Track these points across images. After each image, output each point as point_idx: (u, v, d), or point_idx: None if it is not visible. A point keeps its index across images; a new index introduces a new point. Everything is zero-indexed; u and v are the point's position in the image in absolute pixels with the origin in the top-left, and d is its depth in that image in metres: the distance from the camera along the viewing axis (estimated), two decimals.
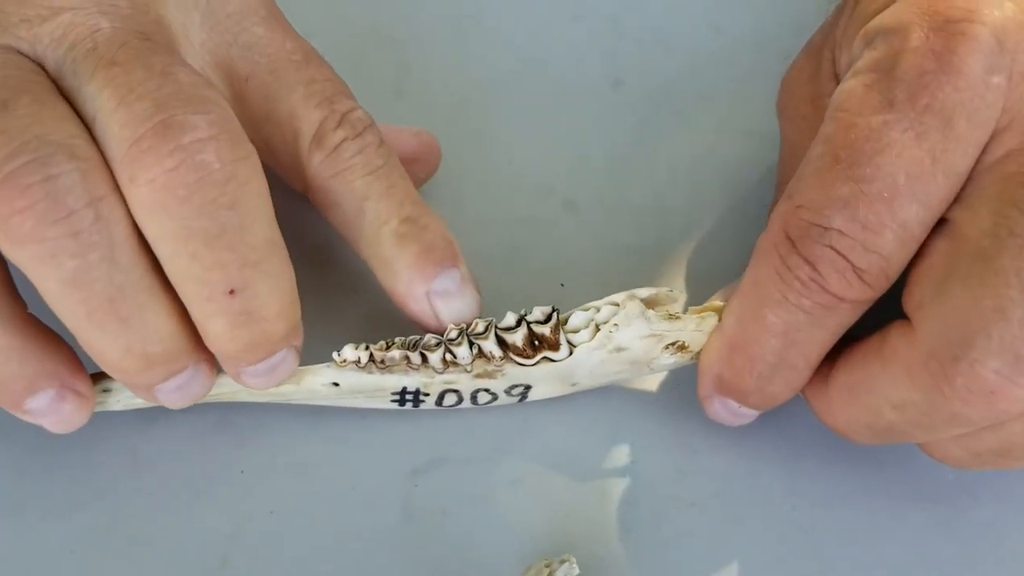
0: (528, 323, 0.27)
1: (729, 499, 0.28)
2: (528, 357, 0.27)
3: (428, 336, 0.27)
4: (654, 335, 0.27)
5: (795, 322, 0.24)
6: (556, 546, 0.27)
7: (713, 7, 0.38)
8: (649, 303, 0.27)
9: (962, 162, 0.23)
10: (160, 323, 0.23)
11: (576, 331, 0.27)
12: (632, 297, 0.27)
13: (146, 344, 0.23)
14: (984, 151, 0.23)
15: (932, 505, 0.28)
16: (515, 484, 0.28)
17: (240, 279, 0.23)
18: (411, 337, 0.27)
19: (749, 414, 0.27)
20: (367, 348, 0.27)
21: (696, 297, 0.30)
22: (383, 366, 0.27)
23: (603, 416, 0.29)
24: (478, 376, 0.27)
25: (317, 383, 0.27)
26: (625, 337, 0.27)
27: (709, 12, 0.38)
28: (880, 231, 0.23)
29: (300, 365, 0.27)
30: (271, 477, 0.28)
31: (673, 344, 0.27)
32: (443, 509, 0.28)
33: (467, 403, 0.28)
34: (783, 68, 0.32)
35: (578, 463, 0.29)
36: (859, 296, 0.24)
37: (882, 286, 0.24)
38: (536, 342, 0.27)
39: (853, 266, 0.23)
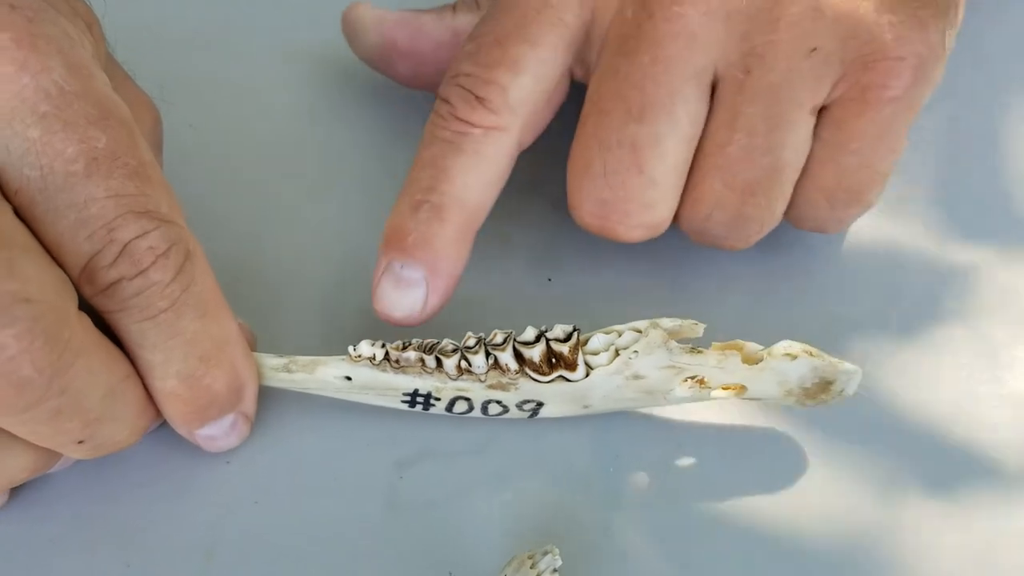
0: (548, 340, 0.26)
1: (713, 494, 0.28)
2: (544, 374, 0.27)
3: (445, 341, 0.27)
4: (674, 367, 0.27)
5: (440, 151, 0.28)
6: (540, 539, 0.27)
7: None
8: (672, 333, 0.27)
9: (567, 13, 0.28)
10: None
11: (595, 353, 0.27)
12: (655, 326, 0.27)
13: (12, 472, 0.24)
14: (594, 14, 0.28)
15: (925, 505, 0.28)
16: (499, 477, 0.28)
17: (85, 433, 0.23)
18: (428, 340, 0.27)
19: (415, 279, 0.28)
20: (383, 345, 0.27)
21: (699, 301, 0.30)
22: (397, 366, 0.27)
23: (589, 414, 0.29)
24: (491, 387, 0.27)
25: (330, 375, 0.27)
26: (644, 365, 0.27)
27: None
28: (494, 66, 0.28)
29: (319, 356, 0.27)
30: (256, 468, 0.28)
31: (692, 377, 0.27)
32: (428, 501, 0.28)
33: (477, 412, 0.28)
34: None
35: (563, 457, 0.29)
36: (484, 120, 0.28)
37: (507, 113, 0.28)
38: (553, 359, 0.27)
39: (475, 95, 0.28)
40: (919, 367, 0.31)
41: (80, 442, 0.24)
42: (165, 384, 0.24)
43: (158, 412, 0.25)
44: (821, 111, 0.28)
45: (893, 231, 0.34)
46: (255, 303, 0.31)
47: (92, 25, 0.25)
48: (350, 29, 0.35)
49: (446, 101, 0.28)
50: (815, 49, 0.27)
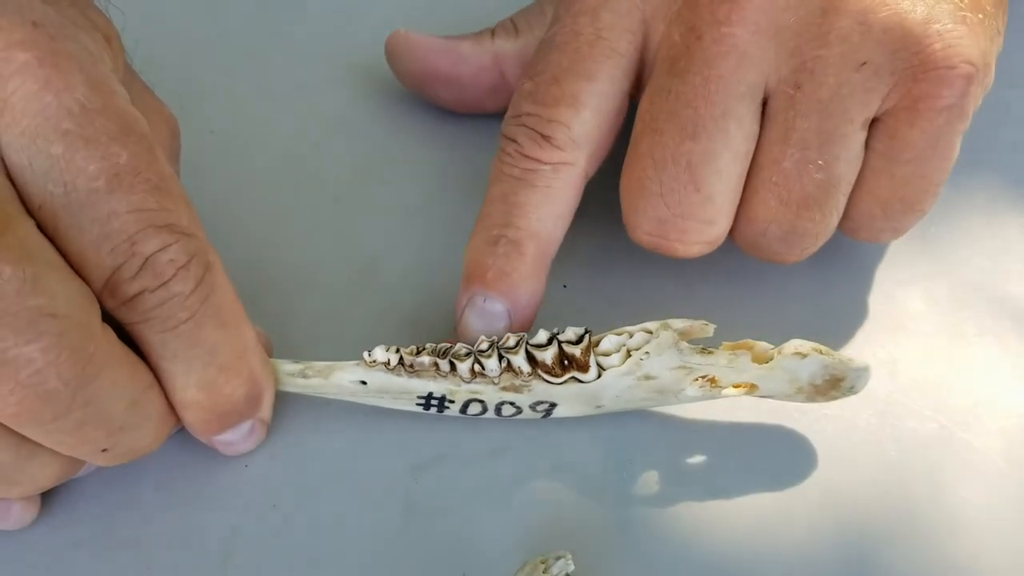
0: (560, 342, 0.27)
1: (726, 498, 0.28)
2: (556, 376, 0.27)
3: (459, 345, 0.27)
4: (684, 367, 0.27)
5: (510, 188, 0.29)
6: (553, 543, 0.27)
7: None
8: (682, 334, 0.27)
9: (620, 42, 0.29)
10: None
11: (607, 354, 0.27)
12: (666, 326, 0.27)
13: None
14: (646, 39, 0.29)
15: (935, 504, 0.28)
16: (514, 481, 0.28)
17: (109, 442, 0.24)
18: (442, 344, 0.27)
19: (498, 312, 0.28)
20: (397, 351, 0.27)
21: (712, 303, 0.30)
22: (412, 370, 0.27)
23: (602, 416, 0.29)
24: (504, 389, 0.27)
25: (345, 379, 0.27)
26: (655, 366, 0.27)
27: None
28: (554, 104, 0.29)
29: (334, 361, 0.27)
30: (274, 472, 0.28)
31: (703, 377, 0.27)
32: (443, 505, 0.28)
33: (491, 414, 0.28)
34: None
35: (576, 461, 0.29)
36: (551, 157, 0.29)
37: (573, 148, 0.29)
38: (565, 361, 0.27)
39: (541, 134, 0.29)
40: (931, 366, 0.31)
41: (104, 450, 0.24)
42: (186, 394, 0.25)
43: (178, 419, 0.26)
44: (873, 122, 0.28)
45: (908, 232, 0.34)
46: (272, 309, 0.31)
47: (111, 38, 0.25)
48: (392, 57, 0.35)
49: (513, 140, 0.29)
50: (865, 63, 0.27)
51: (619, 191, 0.29)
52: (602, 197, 0.31)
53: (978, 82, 0.27)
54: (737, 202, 0.29)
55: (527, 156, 0.29)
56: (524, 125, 0.29)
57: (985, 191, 0.35)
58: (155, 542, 0.27)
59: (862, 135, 0.28)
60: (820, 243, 0.29)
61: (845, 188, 0.28)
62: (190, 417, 0.26)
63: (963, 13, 0.27)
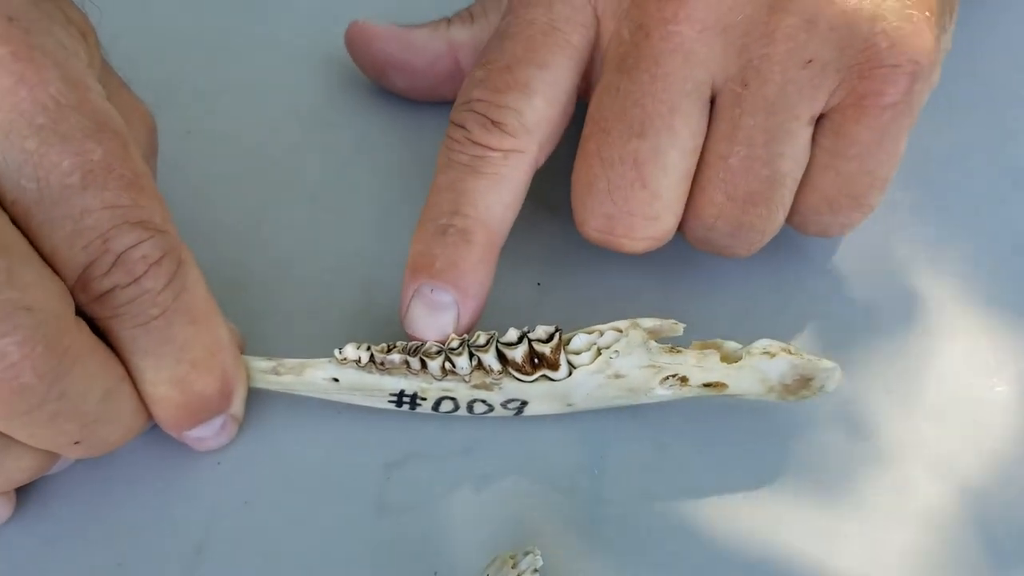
0: (530, 340, 0.27)
1: (696, 495, 0.29)
2: (527, 374, 0.27)
3: (430, 343, 0.27)
4: (653, 366, 0.27)
5: (459, 176, 0.28)
6: (524, 539, 0.27)
7: None
8: (652, 333, 0.27)
9: (573, 35, 0.29)
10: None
11: (577, 353, 0.27)
12: (636, 326, 0.27)
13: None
14: (597, 35, 0.29)
15: (909, 504, 0.28)
16: (485, 479, 0.29)
17: (82, 435, 0.24)
18: (412, 342, 0.28)
19: (446, 302, 0.28)
20: (368, 348, 0.27)
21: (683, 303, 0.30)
22: (383, 368, 0.27)
23: (574, 413, 0.29)
24: (476, 387, 0.28)
25: (318, 376, 0.28)
26: (625, 365, 0.27)
27: None
28: (506, 91, 0.28)
29: (305, 358, 0.28)
30: (247, 469, 0.28)
31: (673, 376, 0.28)
32: (415, 502, 0.28)
33: (463, 411, 0.28)
34: None
35: (547, 458, 0.29)
36: (501, 144, 0.28)
37: (524, 135, 0.28)
38: (536, 359, 0.27)
39: (491, 120, 0.28)
40: (905, 368, 0.31)
41: (77, 443, 0.24)
42: (156, 389, 0.25)
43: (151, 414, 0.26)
44: (820, 119, 0.28)
45: (881, 233, 0.34)
46: (247, 307, 0.31)
47: (87, 34, 0.25)
48: (351, 46, 0.36)
49: (461, 126, 0.29)
50: (811, 60, 0.27)
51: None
52: None
53: (924, 79, 0.28)
54: (685, 198, 0.29)
55: (476, 143, 0.28)
56: (473, 111, 0.29)
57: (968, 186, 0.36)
58: (127, 538, 0.27)
59: (808, 131, 0.28)
60: (767, 238, 0.30)
61: (791, 184, 0.29)
62: (161, 413, 0.26)
63: (909, 11, 0.27)
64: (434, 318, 0.28)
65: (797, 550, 0.28)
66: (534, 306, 0.32)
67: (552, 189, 0.32)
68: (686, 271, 0.33)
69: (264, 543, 0.27)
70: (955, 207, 0.35)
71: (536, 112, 0.29)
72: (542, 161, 0.30)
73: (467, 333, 0.28)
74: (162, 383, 0.25)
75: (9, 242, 0.22)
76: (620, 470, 0.29)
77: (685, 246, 0.31)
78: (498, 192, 0.28)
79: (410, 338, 0.28)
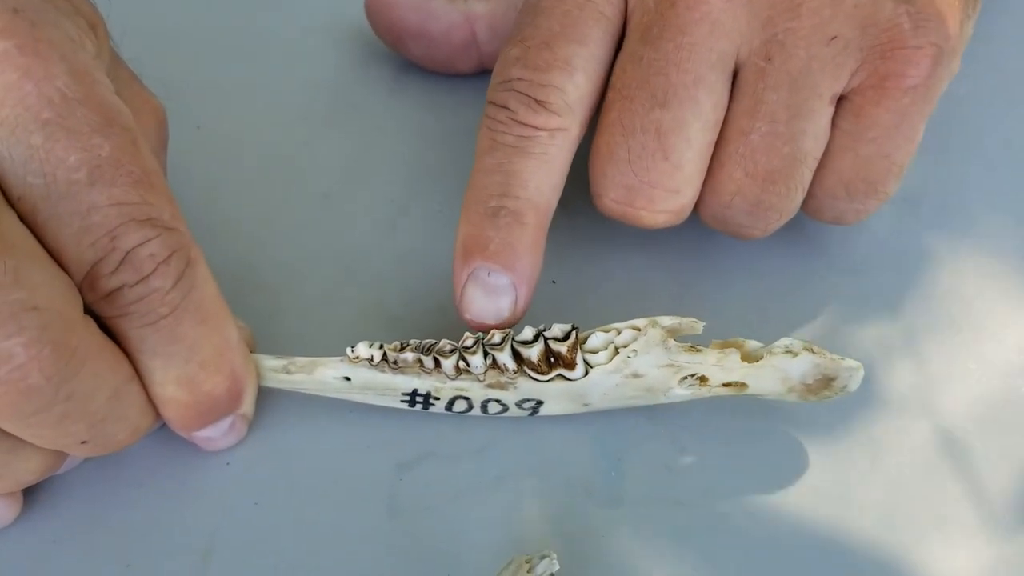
0: (546, 339, 0.26)
1: (716, 498, 0.28)
2: (543, 373, 0.27)
3: (443, 341, 0.27)
4: (672, 365, 0.27)
5: (506, 157, 0.28)
6: (538, 542, 0.27)
7: None
8: (671, 331, 0.27)
9: (607, 6, 0.28)
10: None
11: (594, 352, 0.27)
12: (654, 324, 0.26)
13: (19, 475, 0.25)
14: (627, 2, 0.29)
15: (929, 506, 0.28)
16: (500, 480, 0.28)
17: (89, 435, 0.24)
18: (426, 341, 0.27)
19: (504, 285, 0.27)
20: (381, 347, 0.27)
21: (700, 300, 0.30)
22: (395, 367, 0.27)
23: (590, 413, 0.29)
24: (490, 386, 0.27)
25: (329, 375, 0.27)
26: (643, 364, 0.27)
27: None
28: (547, 69, 0.28)
29: (317, 357, 0.27)
30: (256, 469, 0.28)
31: (693, 375, 0.27)
32: (427, 504, 0.28)
33: (477, 411, 0.28)
34: None
35: (564, 460, 0.28)
36: (548, 123, 0.28)
37: (568, 114, 0.28)
38: (552, 359, 0.27)
39: (535, 99, 0.28)
40: (927, 366, 0.31)
41: (84, 442, 0.24)
42: (165, 390, 0.25)
43: (159, 413, 0.26)
44: (840, 100, 0.28)
45: (900, 228, 0.34)
46: (258, 304, 0.31)
47: (96, 25, 0.25)
48: (370, 12, 0.36)
49: (504, 107, 0.28)
50: (835, 37, 0.27)
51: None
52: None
53: (944, 65, 0.27)
54: (704, 172, 0.29)
55: (521, 123, 0.28)
56: (515, 91, 0.28)
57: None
58: (136, 539, 0.27)
59: (830, 111, 0.28)
60: (784, 219, 0.30)
61: (811, 163, 0.29)
62: (170, 413, 0.25)
63: None
64: (491, 301, 0.27)
65: (819, 551, 0.27)
66: (549, 303, 0.31)
67: (573, 189, 0.32)
68: (703, 265, 0.33)
69: (274, 544, 0.27)
70: (972, 199, 0.35)
71: (579, 89, 0.28)
72: (582, 138, 0.29)
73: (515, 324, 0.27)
74: (171, 383, 0.24)
75: (16, 240, 0.22)
76: (637, 471, 0.28)
77: (701, 238, 0.31)
78: (547, 172, 0.28)
79: (467, 324, 0.28)
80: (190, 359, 0.24)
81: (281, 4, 0.40)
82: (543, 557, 0.25)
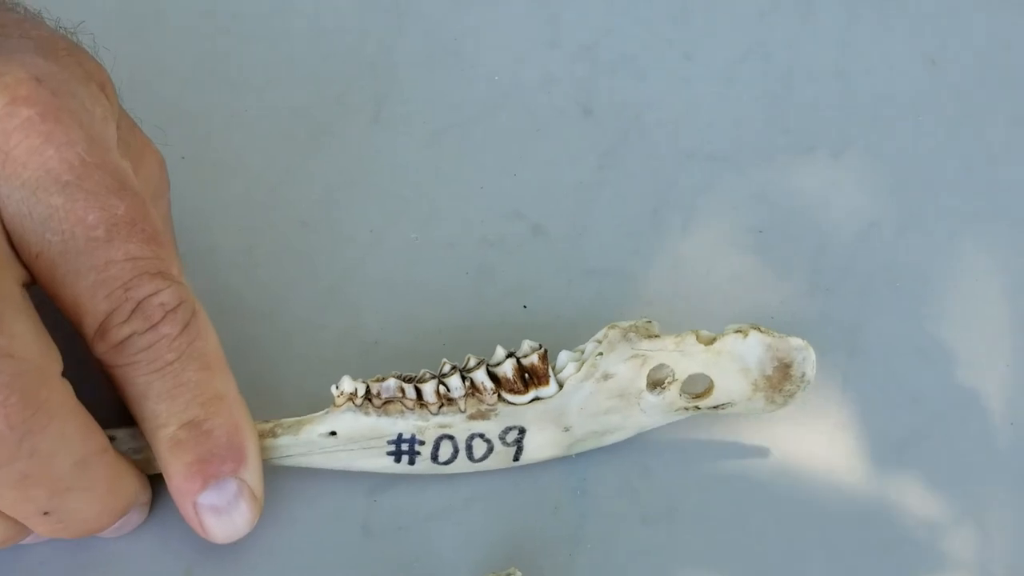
0: (517, 357, 0.28)
1: (681, 516, 0.29)
2: (520, 393, 0.28)
3: (423, 371, 0.28)
4: (637, 355, 0.28)
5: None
6: (508, 559, 0.28)
7: (686, 37, 0.40)
8: (628, 331, 0.28)
9: None
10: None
11: (563, 368, 0.28)
12: (612, 326, 0.28)
13: None
14: None
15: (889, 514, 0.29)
16: (469, 502, 0.29)
17: (51, 505, 0.24)
18: (406, 373, 0.28)
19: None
20: (364, 382, 0.28)
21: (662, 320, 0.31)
22: (380, 400, 0.28)
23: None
24: (472, 418, 0.28)
25: (315, 433, 0.28)
26: (611, 362, 0.28)
27: (683, 42, 0.40)
28: None
29: (301, 416, 0.28)
30: None
31: (662, 383, 0.28)
32: (400, 524, 0.29)
33: (463, 455, 0.29)
34: (750, 93, 0.33)
35: (532, 480, 0.29)
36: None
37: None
38: (526, 375, 0.28)
39: None
40: (891, 376, 0.32)
41: (46, 513, 0.24)
42: (167, 431, 0.25)
43: (130, 494, 0.26)
44: None
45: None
46: (239, 333, 0.31)
47: (105, 84, 0.27)
48: None
49: None
50: None
51: None
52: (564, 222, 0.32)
53: None
54: None
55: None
56: None
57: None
58: (116, 562, 0.27)
59: None
60: None
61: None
62: (173, 462, 0.25)
63: None
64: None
65: (785, 567, 0.28)
66: (521, 328, 0.32)
67: (538, 209, 0.32)
68: (667, 292, 0.33)
69: (251, 566, 0.27)
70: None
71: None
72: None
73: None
74: (173, 425, 0.25)
75: (6, 292, 0.23)
76: (603, 490, 0.29)
77: (666, 270, 0.32)
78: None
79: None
80: (193, 401, 0.25)
81: (262, 35, 0.40)
82: (508, 574, 0.26)
